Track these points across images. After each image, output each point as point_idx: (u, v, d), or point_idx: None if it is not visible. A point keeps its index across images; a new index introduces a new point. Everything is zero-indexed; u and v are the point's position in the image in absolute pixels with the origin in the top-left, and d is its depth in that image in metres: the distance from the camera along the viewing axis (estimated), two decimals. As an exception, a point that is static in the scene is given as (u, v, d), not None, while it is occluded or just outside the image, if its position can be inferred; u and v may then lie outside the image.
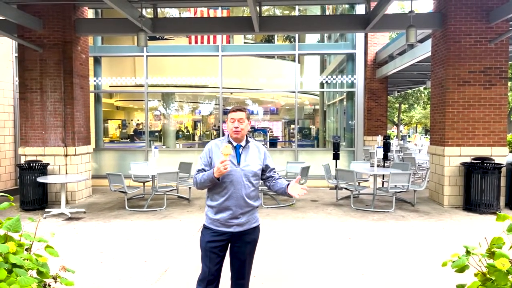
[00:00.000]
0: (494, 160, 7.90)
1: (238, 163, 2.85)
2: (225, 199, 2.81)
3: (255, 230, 2.95)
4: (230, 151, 2.71)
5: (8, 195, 2.55)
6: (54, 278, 2.27)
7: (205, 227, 2.93)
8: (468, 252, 2.05)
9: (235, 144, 2.89)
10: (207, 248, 2.85)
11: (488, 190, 7.57)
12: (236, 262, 2.93)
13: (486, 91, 8.07)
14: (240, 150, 2.89)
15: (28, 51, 8.39)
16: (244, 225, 2.86)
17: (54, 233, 2.55)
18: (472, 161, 8.00)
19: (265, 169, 3.00)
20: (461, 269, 2.04)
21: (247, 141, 2.94)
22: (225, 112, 11.24)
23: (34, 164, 8.05)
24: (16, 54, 9.74)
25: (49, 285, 2.30)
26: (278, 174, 3.11)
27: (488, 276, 1.99)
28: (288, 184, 2.91)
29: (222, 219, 2.83)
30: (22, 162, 8.33)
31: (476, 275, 2.06)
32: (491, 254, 2.01)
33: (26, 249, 2.26)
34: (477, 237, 5.77)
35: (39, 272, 2.15)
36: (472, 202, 7.71)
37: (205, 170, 2.87)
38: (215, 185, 2.82)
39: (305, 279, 4.34)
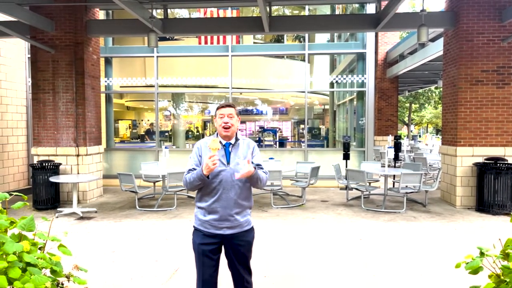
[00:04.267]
0: (507, 161, 7.79)
1: (228, 162, 2.74)
2: (215, 200, 2.71)
3: (248, 232, 2.83)
4: (218, 146, 2.58)
5: (22, 194, 2.58)
6: (67, 277, 2.29)
7: (195, 229, 2.83)
8: (482, 254, 2.02)
9: (224, 142, 2.78)
10: (200, 251, 2.75)
11: (501, 191, 7.47)
12: (233, 264, 2.84)
13: (499, 91, 7.96)
14: (230, 149, 2.77)
15: (40, 52, 8.49)
16: (235, 228, 2.75)
17: (67, 232, 2.58)
18: (485, 161, 7.90)
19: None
20: (475, 271, 2.01)
21: (237, 139, 2.82)
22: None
23: (46, 164, 8.15)
24: (29, 55, 9.87)
25: (62, 284, 2.32)
26: (266, 171, 2.87)
27: (502, 277, 1.96)
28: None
29: (212, 221, 2.73)
30: (35, 162, 8.44)
31: (490, 276, 2.04)
32: (506, 256, 1.98)
33: (40, 248, 2.29)
34: (490, 238, 5.72)
35: (53, 271, 2.17)
36: (485, 203, 7.62)
37: (195, 170, 2.73)
38: (205, 185, 2.72)
39: (316, 280, 4.33)
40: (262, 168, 2.84)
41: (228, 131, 2.74)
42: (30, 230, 2.20)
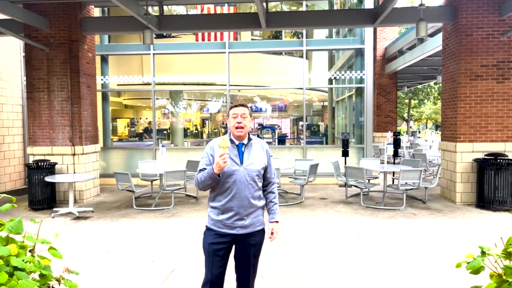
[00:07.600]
0: (507, 156, 7.74)
1: (241, 162, 2.72)
2: (229, 200, 2.70)
3: (260, 233, 2.84)
4: (228, 144, 2.58)
5: (11, 196, 2.52)
6: (58, 280, 2.23)
7: (207, 229, 2.83)
8: (483, 253, 1.95)
9: (237, 142, 2.77)
10: (210, 251, 2.74)
11: (501, 187, 7.41)
12: (241, 265, 2.82)
13: (499, 86, 7.90)
14: (243, 149, 2.76)
15: (35, 50, 8.40)
16: (248, 227, 2.75)
17: (58, 234, 2.50)
18: (485, 157, 7.84)
19: (265, 168, 2.84)
20: (476, 271, 1.95)
21: (250, 139, 2.81)
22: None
23: (42, 164, 8.07)
24: (24, 54, 9.78)
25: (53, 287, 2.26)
26: (274, 180, 2.94)
27: (504, 277, 1.90)
28: (272, 221, 2.90)
29: (225, 220, 2.72)
30: (31, 161, 8.36)
31: (491, 276, 1.97)
32: (508, 255, 1.91)
33: (30, 251, 2.22)
34: (490, 235, 5.67)
35: (42, 275, 2.11)
36: (485, 199, 7.56)
37: (206, 169, 2.73)
38: (218, 184, 2.71)
39: (314, 279, 4.27)
40: (273, 180, 2.92)
41: (241, 131, 2.74)
42: (18, 232, 2.13)
